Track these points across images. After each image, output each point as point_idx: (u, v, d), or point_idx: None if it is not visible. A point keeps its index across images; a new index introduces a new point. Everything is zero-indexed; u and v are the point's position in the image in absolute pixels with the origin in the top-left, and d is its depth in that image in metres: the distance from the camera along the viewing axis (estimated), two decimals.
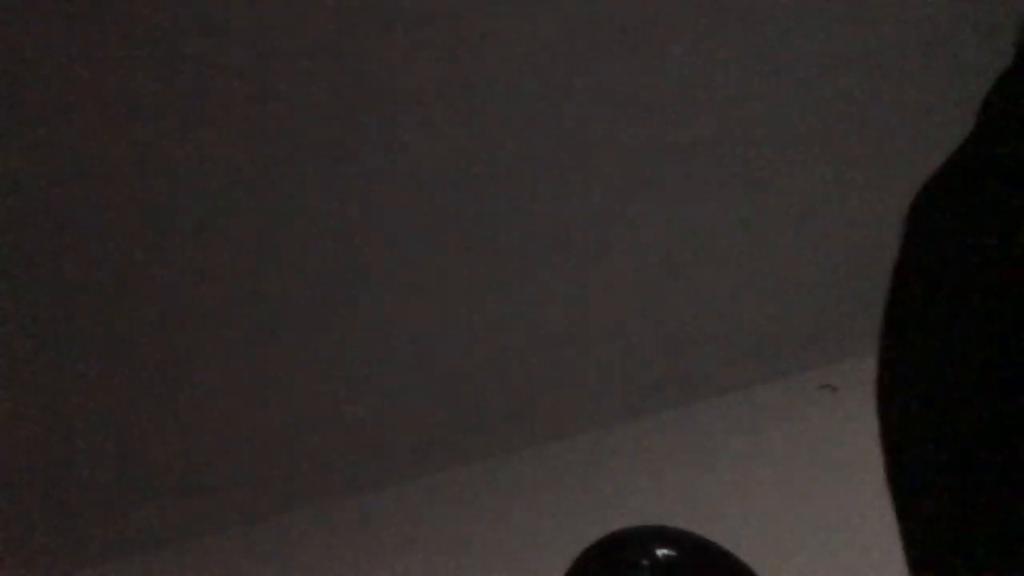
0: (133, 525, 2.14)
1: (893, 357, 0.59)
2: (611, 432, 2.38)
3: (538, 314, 2.38)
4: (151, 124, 2.07)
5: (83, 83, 2.00)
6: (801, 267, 2.52)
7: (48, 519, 2.09)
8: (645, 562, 0.93)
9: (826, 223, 2.52)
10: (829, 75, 2.46)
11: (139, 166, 2.08)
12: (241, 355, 2.21)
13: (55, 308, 2.07)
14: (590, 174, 2.37)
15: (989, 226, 0.53)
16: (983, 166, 0.55)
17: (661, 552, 0.93)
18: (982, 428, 0.51)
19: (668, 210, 2.43)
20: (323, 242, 2.22)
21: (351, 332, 2.27)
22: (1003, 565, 0.50)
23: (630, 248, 2.42)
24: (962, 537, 0.52)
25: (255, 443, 2.22)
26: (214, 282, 2.16)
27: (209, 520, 2.18)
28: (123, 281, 2.11)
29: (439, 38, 2.20)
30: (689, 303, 2.47)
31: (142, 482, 2.16)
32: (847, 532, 1.80)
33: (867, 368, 0.62)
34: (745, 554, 0.99)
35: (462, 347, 2.34)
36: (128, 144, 2.07)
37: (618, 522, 1.02)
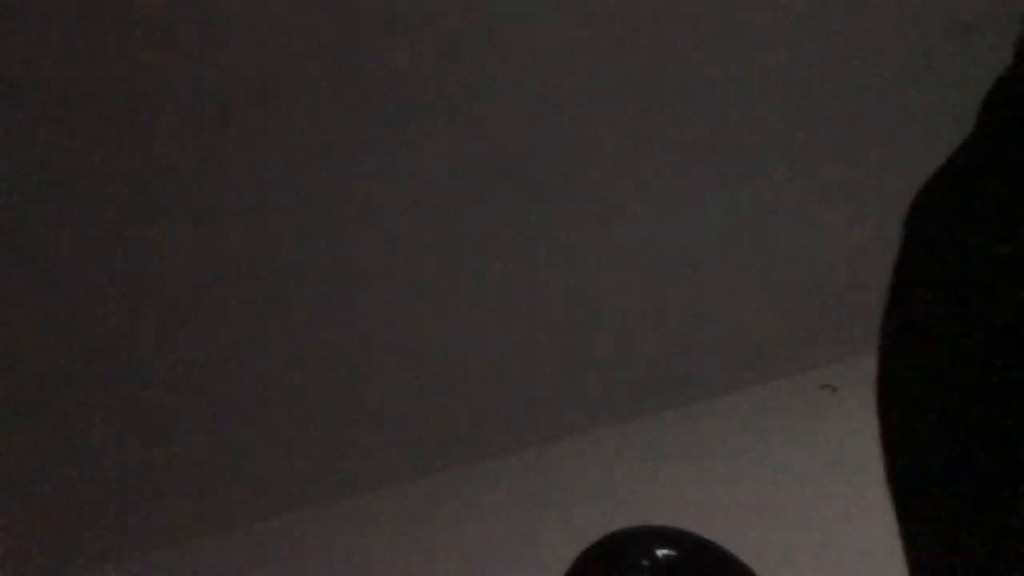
0: (133, 525, 2.14)
1: (893, 357, 0.59)
2: (611, 432, 2.38)
3: (538, 314, 2.38)
4: (150, 124, 2.07)
5: (82, 82, 2.00)
6: (801, 267, 2.52)
7: (48, 519, 2.09)
8: (645, 562, 0.93)
9: (826, 223, 2.52)
10: (829, 75, 2.46)
11: (138, 165, 2.08)
12: (240, 354, 2.21)
13: (55, 307, 2.07)
14: (589, 173, 2.37)
15: (989, 226, 0.53)
16: (983, 166, 0.55)
17: (661, 552, 0.93)
18: (982, 428, 0.51)
19: (668, 210, 2.43)
20: (323, 241, 2.22)
21: (351, 332, 2.27)
22: (1003, 565, 0.50)
23: (630, 248, 2.42)
24: (962, 537, 0.52)
25: (255, 443, 2.22)
26: (214, 281, 2.16)
27: (209, 520, 2.18)
28: (122, 280, 2.11)
29: (439, 37, 2.20)
30: (689, 303, 2.47)
31: (142, 482, 2.16)
32: (847, 532, 1.80)
33: (867, 368, 0.62)
34: (745, 554, 0.99)
35: (462, 347, 2.34)
36: (127, 143, 2.07)
37: (618, 522, 1.02)
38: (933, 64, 2.49)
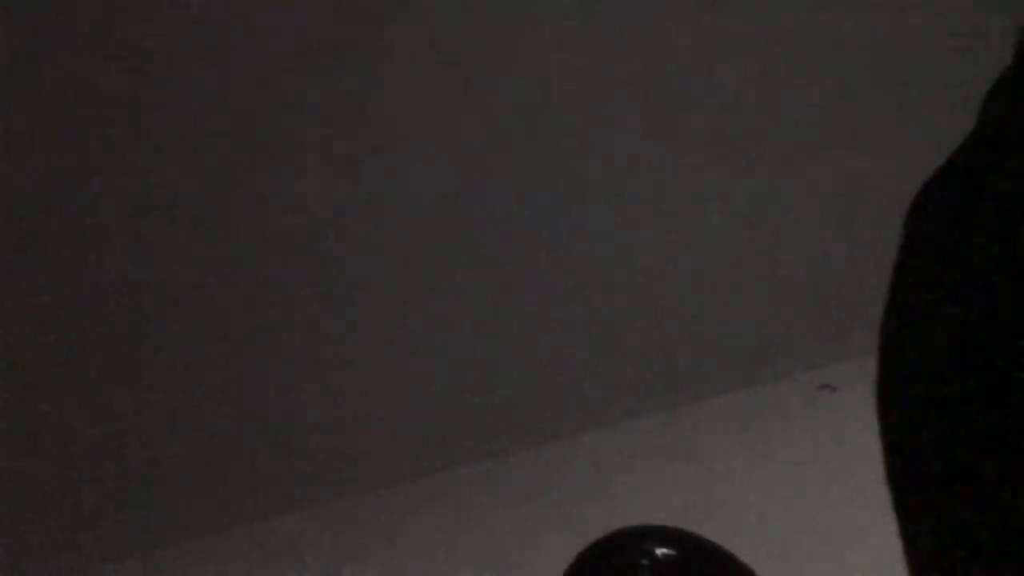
0: (133, 525, 2.14)
1: (893, 357, 0.59)
2: (611, 432, 2.38)
3: (538, 314, 2.38)
4: (149, 123, 2.07)
5: (82, 82, 2.00)
6: (801, 267, 2.52)
7: (48, 519, 2.09)
8: (645, 562, 0.93)
9: (826, 223, 2.52)
10: (829, 74, 2.46)
11: (138, 164, 2.08)
12: (240, 354, 2.21)
13: (55, 307, 2.07)
14: (589, 173, 2.37)
15: (989, 226, 0.53)
16: (983, 166, 0.55)
17: (661, 552, 0.93)
18: (983, 428, 0.51)
19: (667, 210, 2.43)
20: (323, 241, 2.22)
21: (350, 331, 2.27)
22: (1004, 565, 0.50)
23: (630, 248, 2.42)
24: (963, 537, 0.52)
25: (255, 443, 2.22)
26: (214, 280, 2.16)
27: (209, 520, 2.18)
28: (121, 279, 2.11)
29: (439, 37, 2.20)
30: (689, 303, 2.47)
31: (142, 482, 2.16)
32: (847, 532, 1.80)
33: (867, 368, 0.62)
34: (745, 554, 0.99)
35: (462, 347, 2.34)
36: (126, 142, 2.07)
37: (618, 522, 1.02)
38: (933, 64, 2.49)
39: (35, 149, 2.00)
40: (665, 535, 0.96)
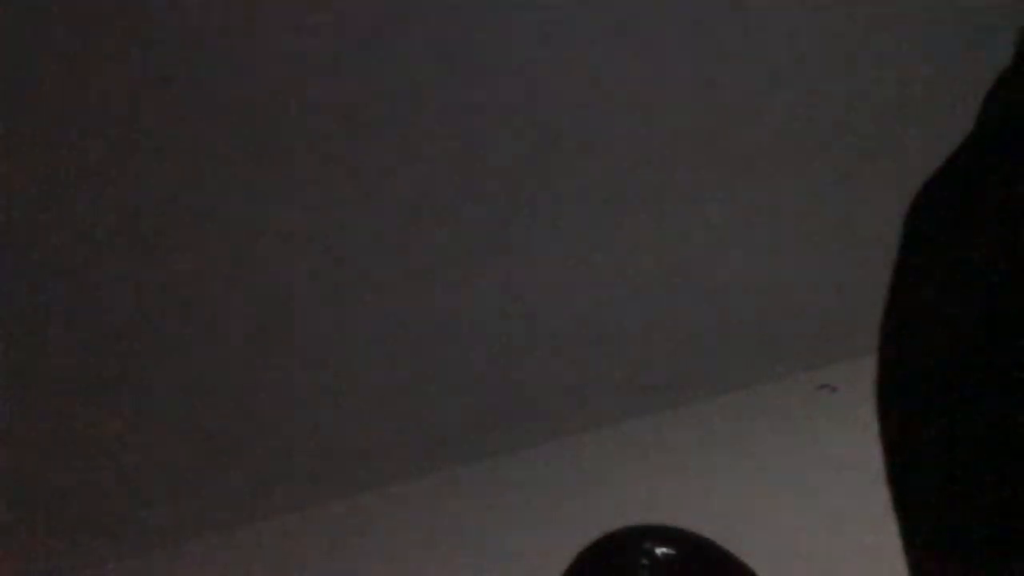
0: (133, 525, 2.14)
1: (893, 357, 0.59)
2: (611, 432, 2.38)
3: (538, 313, 2.38)
4: (149, 123, 2.07)
5: (82, 82, 2.00)
6: (801, 267, 2.52)
7: (48, 519, 2.09)
8: (644, 561, 0.93)
9: (826, 223, 2.52)
10: (829, 74, 2.46)
11: (139, 163, 2.08)
12: (240, 354, 2.21)
13: (56, 308, 2.07)
14: (589, 174, 2.37)
15: (989, 226, 0.53)
16: (983, 166, 0.55)
17: (660, 551, 0.93)
18: (983, 427, 0.51)
19: (667, 210, 2.43)
20: (323, 240, 2.22)
21: (350, 331, 2.27)
22: (1004, 564, 0.50)
23: (630, 248, 2.42)
24: (963, 536, 0.52)
25: (255, 443, 2.22)
26: (213, 279, 2.16)
27: (209, 520, 2.18)
28: (120, 278, 2.11)
29: (439, 38, 2.20)
30: (689, 303, 2.47)
31: (142, 482, 2.16)
32: (847, 532, 1.80)
33: (867, 368, 0.62)
34: (745, 554, 0.99)
35: (462, 346, 2.34)
36: (126, 142, 2.07)
37: (618, 522, 1.02)
38: (933, 64, 2.49)
39: (35, 149, 2.00)
40: (665, 535, 0.96)
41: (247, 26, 2.08)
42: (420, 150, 2.24)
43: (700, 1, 2.36)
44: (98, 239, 2.08)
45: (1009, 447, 0.49)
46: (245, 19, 2.08)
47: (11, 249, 2.03)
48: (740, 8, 2.38)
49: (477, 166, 2.29)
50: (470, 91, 2.25)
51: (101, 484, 2.12)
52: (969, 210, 0.54)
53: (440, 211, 2.28)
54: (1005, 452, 0.49)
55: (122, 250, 2.10)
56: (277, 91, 2.13)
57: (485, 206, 2.31)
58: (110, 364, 2.12)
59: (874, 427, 0.60)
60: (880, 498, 0.60)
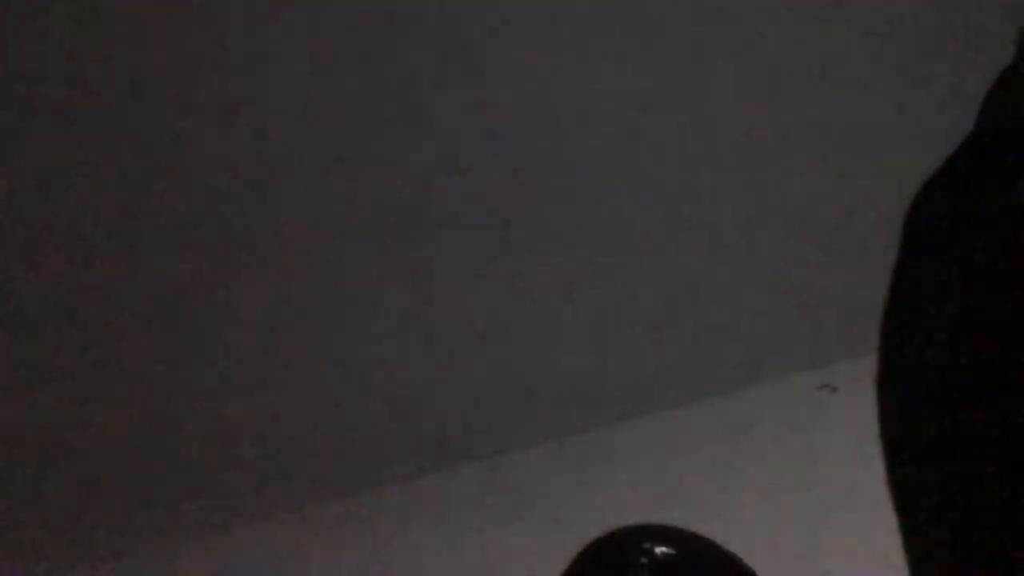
0: (132, 525, 2.14)
1: (893, 357, 0.59)
2: (611, 432, 2.38)
3: (538, 314, 2.38)
4: (152, 125, 2.07)
5: (83, 83, 2.00)
6: (801, 267, 2.52)
7: (48, 519, 2.09)
8: (644, 560, 0.92)
9: (826, 223, 2.52)
10: (829, 74, 2.46)
11: (144, 166, 2.08)
12: (242, 355, 2.21)
13: (56, 308, 2.07)
14: (590, 175, 2.37)
15: (989, 226, 0.53)
16: (983, 166, 0.55)
17: (660, 550, 0.93)
18: (984, 428, 0.51)
19: (668, 210, 2.43)
20: (326, 242, 2.22)
21: (351, 332, 2.27)
22: (1004, 564, 0.50)
23: (630, 248, 2.42)
24: (963, 536, 0.52)
25: (255, 443, 2.22)
26: (216, 282, 2.16)
27: (208, 520, 2.18)
28: (122, 279, 2.10)
29: (440, 38, 2.20)
30: (689, 303, 2.47)
31: (143, 482, 2.16)
32: (847, 532, 1.80)
33: (867, 368, 0.62)
34: (745, 554, 0.99)
35: (462, 347, 2.34)
36: (131, 145, 2.07)
37: (618, 522, 1.02)
38: (933, 64, 2.49)
39: (35, 148, 2.00)
40: (665, 534, 0.96)
41: (247, 26, 2.08)
42: (423, 152, 2.24)
43: (700, 4, 2.36)
44: (99, 239, 2.08)
45: (1009, 446, 0.49)
46: (245, 19, 2.08)
47: (11, 248, 2.03)
48: (740, 8, 2.38)
49: (479, 169, 2.29)
50: (474, 93, 2.25)
51: (101, 484, 2.12)
52: (969, 210, 0.54)
53: (441, 213, 2.28)
54: (1005, 451, 0.49)
55: (122, 250, 2.10)
56: (278, 95, 2.13)
57: (486, 208, 2.31)
58: (111, 364, 2.12)
59: (874, 427, 0.60)
60: (880, 498, 0.60)
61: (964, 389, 0.52)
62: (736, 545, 0.98)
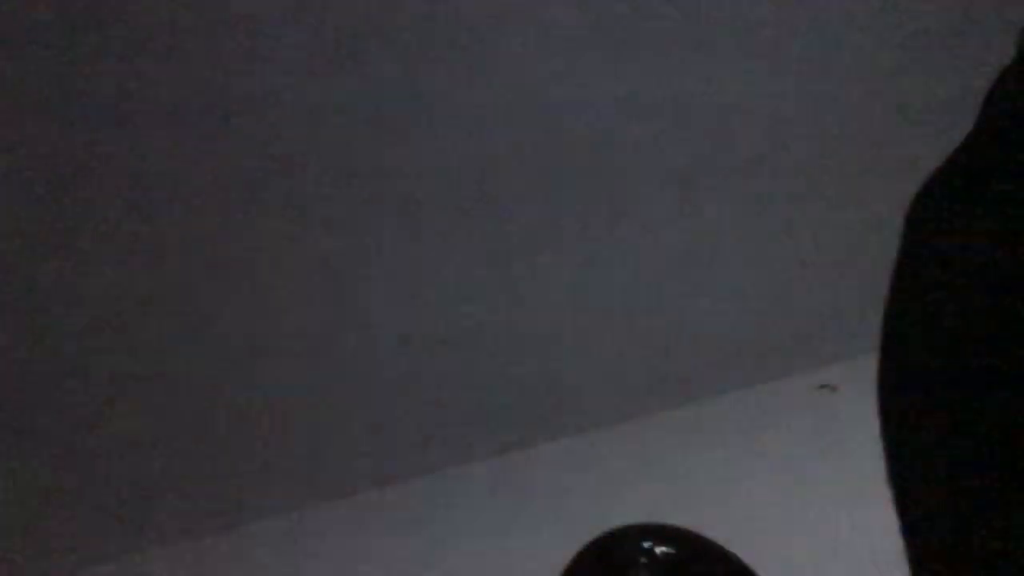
0: (133, 525, 2.14)
1: (894, 356, 0.59)
2: (611, 432, 2.38)
3: (538, 314, 2.38)
4: (150, 124, 2.07)
5: (82, 83, 2.00)
6: (801, 267, 2.52)
7: (48, 519, 2.09)
8: (643, 560, 0.93)
9: (826, 223, 2.52)
10: (828, 74, 2.46)
11: (143, 165, 2.08)
12: (239, 354, 2.21)
13: (56, 308, 2.07)
14: (590, 175, 2.37)
15: (989, 226, 0.53)
16: (983, 166, 0.55)
17: (660, 550, 0.93)
18: (984, 427, 0.51)
19: (668, 210, 2.43)
20: (324, 241, 2.22)
21: (351, 332, 2.27)
22: (1004, 564, 0.50)
23: (630, 248, 2.42)
24: (963, 536, 0.52)
25: (254, 443, 2.22)
26: (214, 280, 2.16)
27: (207, 521, 2.18)
28: (122, 279, 2.11)
29: (439, 40, 2.20)
30: (689, 303, 2.47)
31: (142, 482, 2.16)
32: (847, 532, 1.80)
33: (867, 368, 0.62)
34: (745, 554, 0.99)
35: (462, 346, 2.34)
36: (129, 144, 2.07)
37: (618, 522, 1.02)
38: (933, 64, 2.49)
39: (35, 148, 2.00)
40: (664, 534, 0.96)
41: (245, 26, 2.08)
42: (421, 150, 2.24)
43: (700, 5, 2.36)
44: (99, 238, 2.08)
45: (1009, 445, 0.49)
46: (245, 19, 2.08)
47: (11, 248, 2.03)
48: (739, 10, 2.38)
49: (478, 167, 2.29)
50: (473, 92, 2.25)
51: (102, 484, 2.12)
52: (969, 209, 0.54)
53: (441, 213, 2.28)
54: (1005, 450, 0.49)
55: (122, 250, 2.10)
56: (276, 92, 2.13)
57: (487, 208, 2.31)
58: (111, 364, 2.12)
59: (874, 427, 0.60)
60: (880, 498, 0.60)
61: (964, 388, 0.52)
62: (736, 545, 0.98)
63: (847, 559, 1.74)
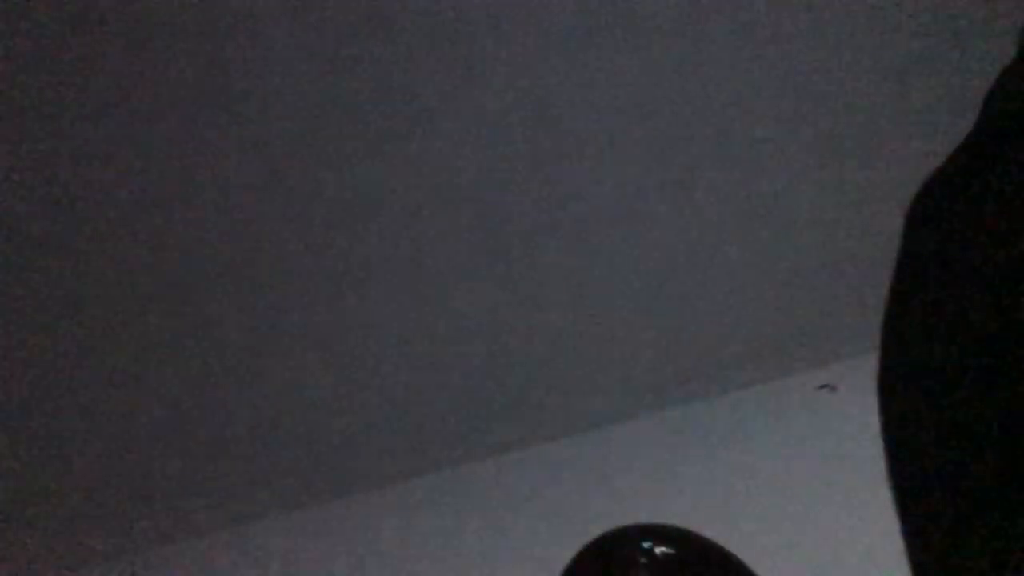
0: (133, 525, 2.14)
1: (894, 356, 0.59)
2: (611, 432, 2.38)
3: (538, 314, 2.38)
4: (151, 123, 2.07)
5: (83, 83, 2.00)
6: (801, 267, 2.52)
7: (48, 519, 2.09)
8: (644, 560, 0.93)
9: (826, 223, 2.52)
10: (829, 74, 2.46)
11: (143, 164, 2.08)
12: (240, 354, 2.21)
13: (56, 308, 2.07)
14: (590, 175, 2.37)
15: (990, 225, 0.53)
16: (983, 165, 0.55)
17: (659, 550, 0.93)
18: (985, 427, 0.51)
19: (667, 210, 2.43)
20: (324, 240, 2.22)
21: (351, 331, 2.27)
22: (1005, 564, 0.50)
23: (630, 248, 2.42)
24: (964, 536, 0.52)
25: (254, 444, 2.22)
26: (213, 279, 2.16)
27: (209, 520, 2.18)
28: (123, 279, 2.11)
29: (440, 40, 2.20)
30: (689, 303, 2.47)
31: (142, 482, 2.16)
32: (847, 532, 1.80)
33: (867, 368, 0.62)
34: (745, 554, 0.99)
35: (462, 346, 2.34)
36: (129, 144, 2.07)
37: (618, 522, 1.02)
38: (933, 64, 2.49)
39: (35, 148, 2.00)
40: (664, 534, 0.96)
41: (245, 26, 2.08)
42: (421, 151, 2.24)
43: (700, 5, 2.36)
44: (99, 237, 2.08)
45: (1010, 444, 0.49)
46: (245, 18, 2.08)
47: (12, 248, 2.03)
48: (740, 9, 2.38)
49: (478, 167, 2.29)
50: (473, 92, 2.25)
51: (103, 484, 2.12)
52: (970, 209, 0.54)
53: (439, 212, 2.28)
54: (1007, 451, 0.49)
55: (122, 249, 2.10)
56: (281, 89, 2.13)
57: (487, 208, 2.31)
58: (111, 364, 2.12)
59: (874, 427, 0.60)
60: (880, 498, 0.60)
61: (966, 388, 0.52)
62: (736, 545, 0.98)
63: (847, 559, 1.74)
